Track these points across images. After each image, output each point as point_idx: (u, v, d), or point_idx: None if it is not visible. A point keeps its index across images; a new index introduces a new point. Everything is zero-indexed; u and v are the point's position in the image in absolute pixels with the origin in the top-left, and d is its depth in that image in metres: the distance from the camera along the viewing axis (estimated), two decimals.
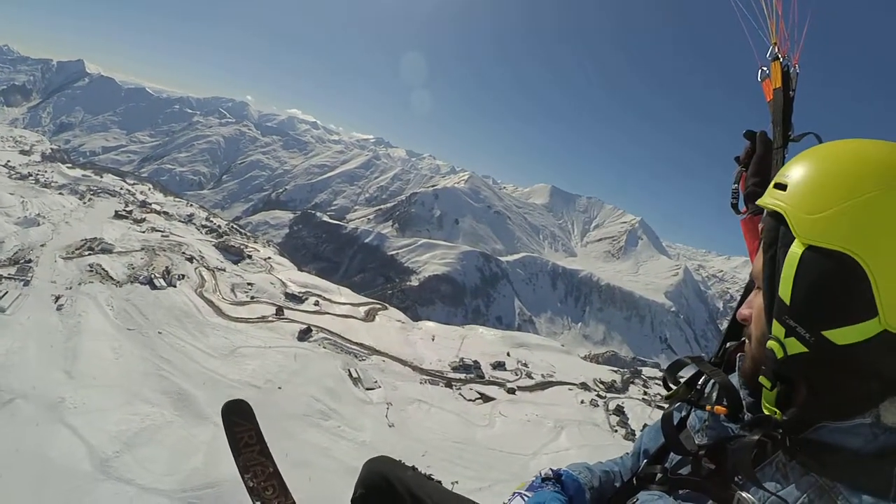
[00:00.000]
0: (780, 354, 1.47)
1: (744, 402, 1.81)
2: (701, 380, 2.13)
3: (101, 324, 73.15)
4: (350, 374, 75.36)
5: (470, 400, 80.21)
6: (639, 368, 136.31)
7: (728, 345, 2.20)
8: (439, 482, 3.28)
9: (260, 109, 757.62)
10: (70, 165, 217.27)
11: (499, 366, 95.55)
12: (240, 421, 4.93)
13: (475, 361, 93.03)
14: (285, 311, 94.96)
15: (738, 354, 1.92)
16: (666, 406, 2.23)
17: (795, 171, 1.53)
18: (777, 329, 1.49)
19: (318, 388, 68.45)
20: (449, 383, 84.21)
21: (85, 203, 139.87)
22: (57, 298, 77.77)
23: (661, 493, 1.91)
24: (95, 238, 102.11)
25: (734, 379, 1.90)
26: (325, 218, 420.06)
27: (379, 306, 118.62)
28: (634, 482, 2.26)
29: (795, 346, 1.44)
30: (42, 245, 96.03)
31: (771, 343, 1.50)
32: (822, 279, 1.37)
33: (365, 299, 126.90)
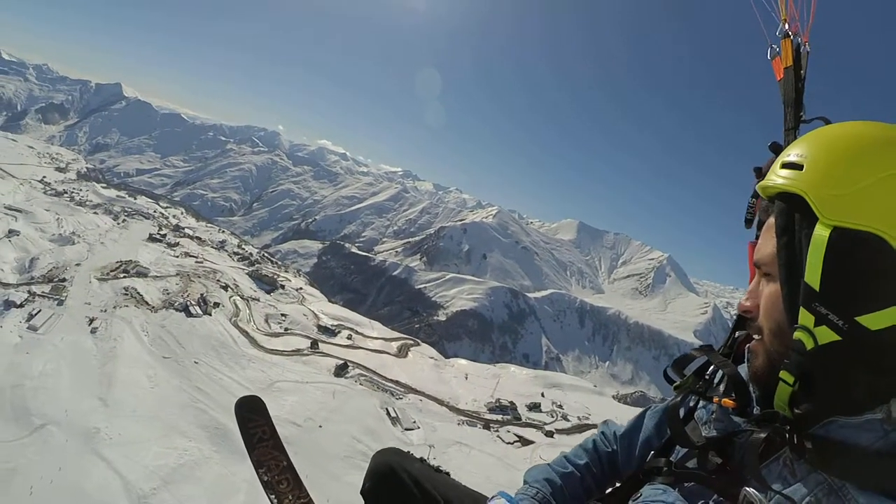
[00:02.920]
0: (810, 345, 1.39)
1: (753, 396, 1.75)
2: (710, 370, 2.12)
3: (136, 350, 72.05)
4: (388, 414, 73.28)
5: (508, 443, 77.58)
6: None
7: (737, 334, 2.14)
8: (447, 473, 3.28)
9: (291, 139, 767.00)
10: (105, 185, 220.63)
11: (534, 407, 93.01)
12: (253, 416, 4.82)
13: (511, 402, 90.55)
14: (320, 344, 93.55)
15: (746, 346, 1.83)
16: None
17: (812, 150, 1.45)
18: (805, 318, 1.40)
19: (359, 427, 66.45)
20: (487, 425, 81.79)
21: (119, 224, 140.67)
22: (91, 321, 76.91)
23: (666, 486, 1.88)
24: (131, 260, 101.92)
25: (743, 371, 1.84)
26: (354, 249, 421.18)
27: (411, 342, 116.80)
28: (640, 476, 2.20)
29: (827, 335, 1.36)
30: (77, 264, 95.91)
31: (799, 334, 1.42)
32: (853, 262, 1.30)
33: (397, 334, 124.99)
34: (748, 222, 2.42)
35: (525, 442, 79.23)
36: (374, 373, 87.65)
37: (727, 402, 1.83)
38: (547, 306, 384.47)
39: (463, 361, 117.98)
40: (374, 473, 2.99)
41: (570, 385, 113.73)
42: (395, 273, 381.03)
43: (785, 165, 1.52)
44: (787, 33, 2.77)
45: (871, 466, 1.37)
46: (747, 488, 1.51)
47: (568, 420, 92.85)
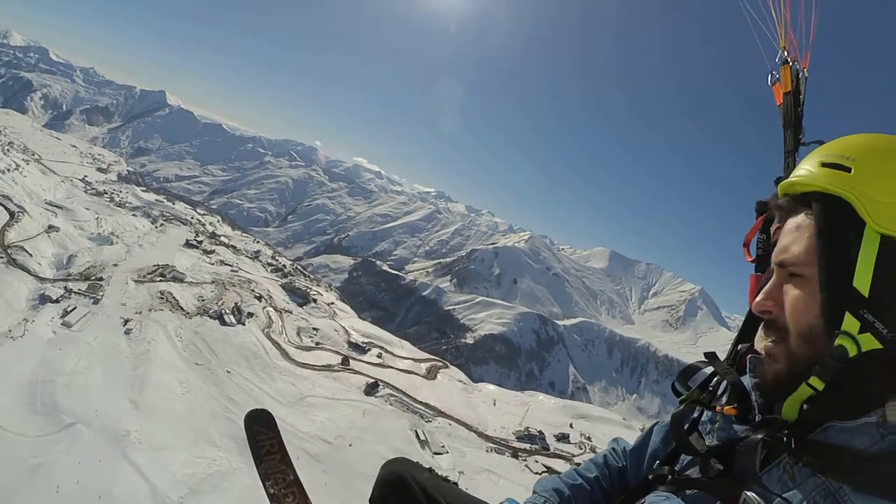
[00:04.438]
0: (853, 352, 1.36)
1: (754, 404, 1.78)
2: (713, 381, 2.17)
3: (169, 355, 72.05)
4: (418, 436, 72.27)
5: (537, 473, 75.81)
6: None
7: (739, 346, 2.22)
8: (455, 484, 3.35)
9: (328, 155, 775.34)
10: (144, 189, 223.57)
11: (563, 438, 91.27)
12: (262, 430, 4.73)
13: (540, 432, 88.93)
14: (350, 361, 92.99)
15: (749, 356, 1.87)
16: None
17: (862, 155, 1.41)
18: (850, 324, 1.37)
19: (388, 448, 65.29)
20: (515, 453, 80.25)
21: (157, 228, 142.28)
22: (126, 322, 77.24)
23: (669, 493, 1.93)
24: (167, 265, 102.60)
25: (746, 381, 1.89)
26: (385, 267, 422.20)
27: (440, 364, 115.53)
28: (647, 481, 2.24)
29: (870, 343, 1.35)
30: (114, 265, 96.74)
31: (842, 340, 1.38)
32: None
33: (425, 355, 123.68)
34: (760, 259, 2.39)
35: (553, 473, 77.41)
36: (404, 393, 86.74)
37: (729, 409, 1.87)
38: (576, 335, 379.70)
39: (491, 387, 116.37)
40: (384, 482, 3.05)
41: (598, 417, 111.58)
42: (424, 293, 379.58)
43: (826, 165, 1.49)
44: (787, 60, 2.93)
45: (868, 469, 1.39)
46: (747, 492, 1.54)
47: (595, 453, 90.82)
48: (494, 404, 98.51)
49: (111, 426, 52.88)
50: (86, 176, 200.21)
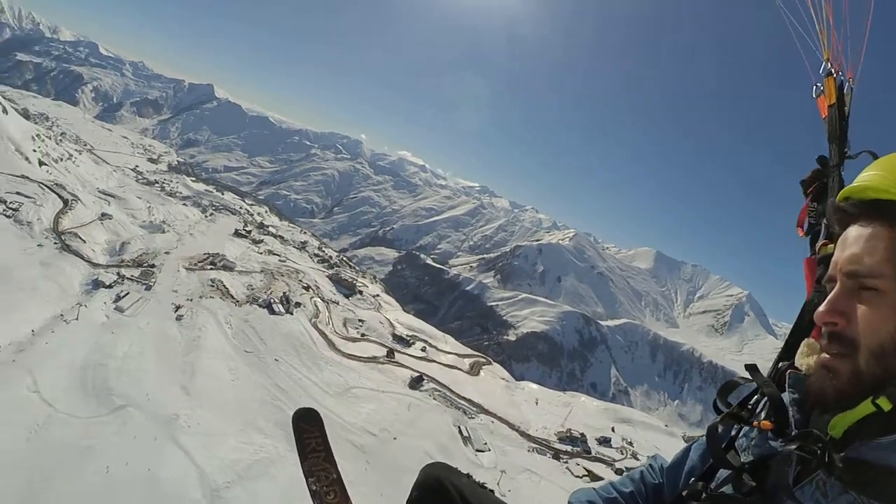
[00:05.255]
0: None
1: (791, 419, 1.77)
2: (753, 399, 2.17)
3: (219, 342, 73.09)
4: (461, 433, 72.00)
5: (578, 476, 75.11)
6: None
7: (780, 364, 2.22)
8: (492, 491, 3.52)
9: (373, 148, 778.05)
10: (194, 179, 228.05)
11: (604, 441, 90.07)
12: (308, 427, 4.91)
13: (581, 434, 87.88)
14: (395, 353, 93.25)
15: (789, 372, 1.91)
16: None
17: None
18: None
19: (432, 443, 65.40)
20: (556, 455, 79.43)
21: (207, 217, 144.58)
22: (177, 308, 78.79)
23: None
24: (217, 254, 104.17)
25: (785, 397, 1.88)
26: (429, 261, 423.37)
27: (483, 360, 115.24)
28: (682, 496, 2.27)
29: None
30: (166, 253, 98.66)
31: None
32: None
33: (469, 351, 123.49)
34: (812, 228, 2.51)
35: (594, 477, 76.51)
36: (448, 388, 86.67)
37: (765, 424, 1.86)
38: (619, 336, 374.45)
39: (534, 386, 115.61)
40: (422, 485, 3.09)
41: (641, 422, 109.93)
42: (468, 288, 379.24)
43: None
44: (830, 72, 2.87)
45: None
46: None
47: (637, 459, 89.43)
48: (536, 403, 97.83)
49: (161, 410, 53.71)
50: (137, 166, 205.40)
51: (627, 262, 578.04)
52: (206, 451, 49.10)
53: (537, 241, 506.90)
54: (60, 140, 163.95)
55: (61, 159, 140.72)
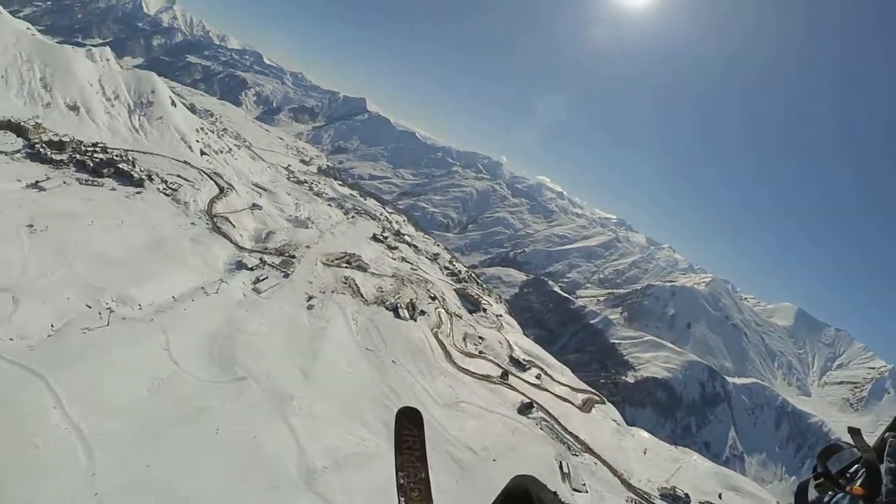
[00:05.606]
0: None
1: (884, 488, 1.77)
2: (853, 468, 2.16)
3: (344, 336, 75.87)
4: (562, 468, 70.37)
5: None
6: None
7: (886, 434, 2.22)
8: None
9: (512, 171, 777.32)
10: (340, 183, 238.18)
11: None
12: (409, 426, 5.17)
13: (686, 495, 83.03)
14: (509, 375, 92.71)
15: (891, 440, 1.93)
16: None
17: None
18: None
19: (530, 472, 64.39)
20: None
21: (348, 219, 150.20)
22: (310, 298, 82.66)
23: None
24: (354, 254, 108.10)
25: (882, 467, 1.87)
26: (556, 288, 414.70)
27: (596, 398, 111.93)
28: None
29: None
30: (307, 247, 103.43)
31: None
32: None
33: (584, 386, 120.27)
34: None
35: None
36: (556, 420, 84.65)
37: (857, 489, 1.85)
38: (744, 396, 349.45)
39: (644, 434, 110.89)
40: (510, 493, 3.30)
41: (751, 493, 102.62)
42: (592, 321, 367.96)
43: None
44: None
45: None
46: None
47: None
48: (644, 453, 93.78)
49: (278, 388, 56.57)
50: (289, 165, 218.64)
51: (765, 316, 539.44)
52: (310, 434, 51.11)
53: (671, 282, 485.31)
54: (222, 135, 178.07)
55: (221, 151, 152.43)
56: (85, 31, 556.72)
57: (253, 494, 41.08)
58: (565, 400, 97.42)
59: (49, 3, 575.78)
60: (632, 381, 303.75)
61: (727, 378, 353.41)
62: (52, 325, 51.62)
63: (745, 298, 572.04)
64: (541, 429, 79.31)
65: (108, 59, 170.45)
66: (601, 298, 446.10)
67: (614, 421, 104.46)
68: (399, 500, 4.81)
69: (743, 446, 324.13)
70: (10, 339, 46.67)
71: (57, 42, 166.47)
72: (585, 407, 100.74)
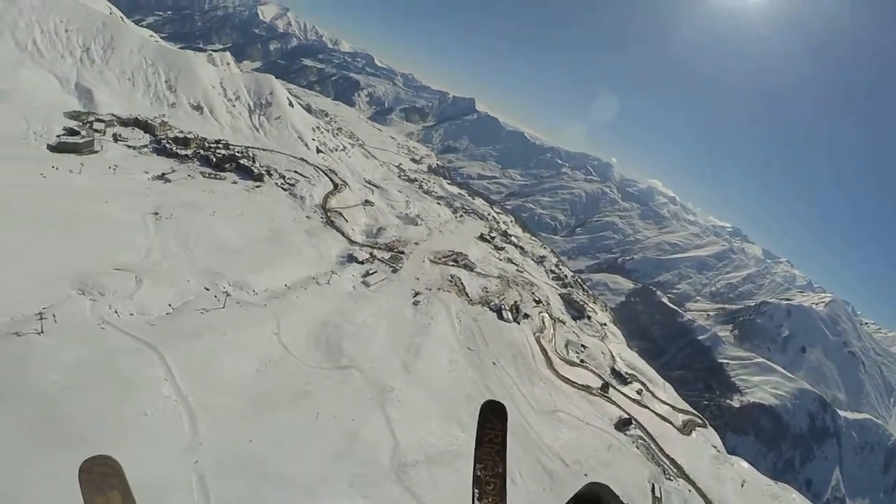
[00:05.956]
0: None
1: None
2: None
3: (447, 333, 77.29)
4: (653, 492, 68.51)
5: None
6: None
7: None
8: None
9: (623, 173, 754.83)
10: (450, 182, 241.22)
11: None
12: (493, 419, 5.25)
13: None
14: (610, 388, 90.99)
15: None
16: None
17: None
18: None
19: (621, 492, 61.45)
20: None
21: (457, 218, 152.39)
22: (416, 294, 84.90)
23: None
24: (461, 253, 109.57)
25: None
26: (665, 299, 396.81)
27: (698, 421, 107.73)
28: None
29: None
30: (416, 243, 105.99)
31: None
32: None
33: (685, 406, 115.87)
34: None
35: None
36: (654, 441, 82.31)
37: None
38: (854, 433, 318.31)
39: (745, 464, 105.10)
40: (581, 498, 3.37)
41: None
42: (700, 337, 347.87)
43: None
44: None
45: None
46: None
47: None
48: (742, 486, 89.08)
49: (380, 379, 58.30)
50: (400, 164, 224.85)
51: (886, 344, 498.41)
52: (406, 427, 52.30)
53: (787, 300, 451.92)
54: (336, 133, 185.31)
55: (336, 150, 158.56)
56: (205, 38, 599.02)
57: (344, 480, 42.34)
58: (665, 419, 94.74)
59: (170, 12, 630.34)
60: (736, 406, 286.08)
61: (839, 411, 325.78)
62: (171, 305, 54.79)
63: (866, 323, 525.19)
64: (637, 447, 77.38)
65: (228, 63, 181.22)
66: (711, 313, 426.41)
67: (714, 447, 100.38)
68: (474, 491, 4.92)
69: (846, 488, 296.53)
70: (131, 315, 49.85)
71: (179, 48, 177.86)
72: (685, 429, 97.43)
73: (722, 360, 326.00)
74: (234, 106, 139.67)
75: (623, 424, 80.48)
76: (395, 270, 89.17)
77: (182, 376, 43.72)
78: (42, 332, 41.72)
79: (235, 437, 40.52)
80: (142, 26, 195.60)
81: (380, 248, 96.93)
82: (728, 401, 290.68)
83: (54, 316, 43.92)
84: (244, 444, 40.25)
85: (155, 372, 43.18)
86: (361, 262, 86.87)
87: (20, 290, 45.52)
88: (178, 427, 39.35)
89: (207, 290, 60.12)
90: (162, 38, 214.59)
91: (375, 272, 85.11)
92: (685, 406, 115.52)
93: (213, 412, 41.93)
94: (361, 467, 44.45)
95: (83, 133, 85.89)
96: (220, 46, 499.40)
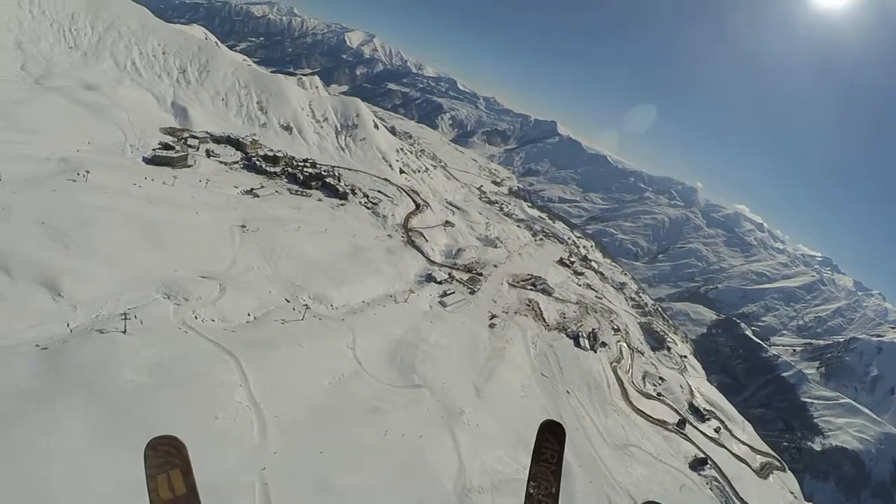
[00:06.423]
0: None
1: None
2: None
3: (521, 358, 77.07)
4: None
5: None
6: None
7: None
8: None
9: (708, 198, 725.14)
10: (530, 205, 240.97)
11: None
12: (551, 439, 5.15)
13: None
14: (686, 424, 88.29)
15: None
16: None
17: None
18: None
19: None
20: None
21: (536, 241, 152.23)
22: (492, 317, 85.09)
23: None
24: (539, 277, 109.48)
25: None
26: (749, 332, 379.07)
27: (776, 463, 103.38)
28: None
29: None
30: (494, 266, 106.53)
31: None
32: None
33: (765, 447, 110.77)
34: None
35: None
36: (729, 483, 79.37)
37: None
38: None
39: None
40: None
41: None
42: (784, 374, 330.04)
43: None
44: None
45: None
46: None
47: None
48: None
49: (451, 401, 58.11)
50: (481, 186, 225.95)
51: None
52: (473, 452, 51.82)
53: (878, 336, 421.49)
54: (419, 155, 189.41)
55: (418, 171, 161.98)
56: (295, 63, 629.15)
57: (405, 501, 42.39)
58: (742, 461, 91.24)
59: (262, 38, 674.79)
60: (818, 450, 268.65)
61: None
62: (251, 314, 56.83)
63: None
64: (710, 489, 74.83)
65: (317, 87, 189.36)
66: (797, 349, 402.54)
67: (791, 493, 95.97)
68: None
69: None
70: (212, 321, 51.93)
71: (271, 72, 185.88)
72: (763, 472, 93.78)
73: (806, 399, 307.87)
74: (321, 127, 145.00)
75: (698, 464, 77.95)
76: (472, 292, 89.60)
77: (256, 383, 45.02)
78: (125, 331, 43.99)
79: (303, 448, 41.27)
80: (235, 51, 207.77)
81: (458, 269, 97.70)
82: (809, 443, 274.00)
83: (137, 317, 46.18)
84: (311, 455, 40.97)
85: (230, 377, 44.67)
86: (440, 283, 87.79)
87: (109, 290, 48.28)
88: (247, 433, 40.49)
89: (287, 301, 62.06)
90: (254, 62, 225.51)
91: (453, 293, 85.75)
92: (764, 447, 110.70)
93: (284, 421, 42.97)
94: (424, 489, 44.36)
95: (177, 148, 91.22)
96: (310, 71, 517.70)
